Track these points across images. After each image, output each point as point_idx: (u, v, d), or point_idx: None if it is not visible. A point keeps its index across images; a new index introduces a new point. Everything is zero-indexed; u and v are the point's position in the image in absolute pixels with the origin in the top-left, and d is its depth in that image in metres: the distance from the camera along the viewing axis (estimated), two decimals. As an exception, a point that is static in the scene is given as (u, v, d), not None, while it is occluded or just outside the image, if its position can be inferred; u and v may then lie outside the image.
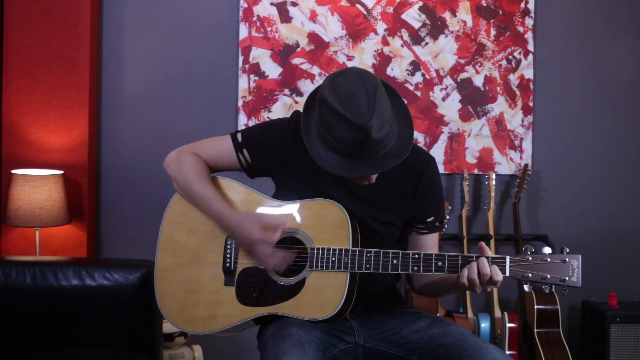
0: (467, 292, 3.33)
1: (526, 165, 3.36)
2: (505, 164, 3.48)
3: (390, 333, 1.90)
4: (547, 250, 1.75)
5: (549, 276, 1.72)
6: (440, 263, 1.78)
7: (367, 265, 1.82)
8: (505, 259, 1.75)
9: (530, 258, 1.74)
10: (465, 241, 3.35)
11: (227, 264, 1.94)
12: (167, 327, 2.95)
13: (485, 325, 3.32)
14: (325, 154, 1.77)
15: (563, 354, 3.12)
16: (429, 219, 1.99)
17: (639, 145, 3.57)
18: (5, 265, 2.44)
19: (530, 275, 1.73)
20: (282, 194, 1.98)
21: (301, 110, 1.90)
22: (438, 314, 3.17)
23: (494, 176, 3.39)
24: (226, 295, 1.93)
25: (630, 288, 3.52)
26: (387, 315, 1.96)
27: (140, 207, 3.37)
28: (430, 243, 2.02)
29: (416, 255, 1.80)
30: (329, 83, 1.73)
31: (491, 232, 3.37)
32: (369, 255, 1.82)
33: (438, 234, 2.04)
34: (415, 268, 1.80)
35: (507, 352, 3.23)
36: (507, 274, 1.74)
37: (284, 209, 1.94)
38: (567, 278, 1.72)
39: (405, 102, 1.88)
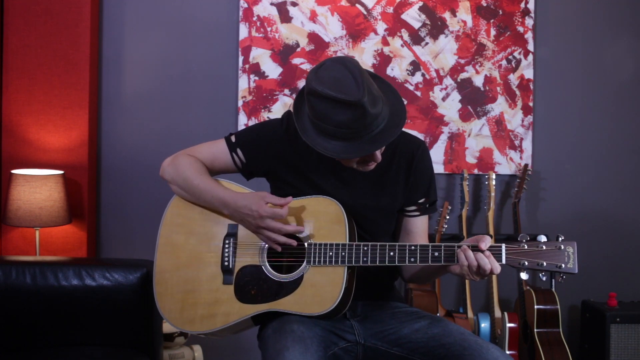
0: (467, 292, 3.33)
1: (526, 165, 3.36)
2: (505, 164, 3.48)
3: (390, 332, 1.90)
4: (543, 238, 1.75)
5: (545, 263, 1.73)
6: (436, 253, 1.79)
7: (365, 259, 1.83)
8: (501, 247, 1.76)
9: (525, 246, 1.75)
10: (465, 241, 3.35)
11: (226, 263, 1.95)
12: (167, 327, 2.95)
13: (485, 325, 3.32)
14: (328, 144, 1.79)
15: (563, 354, 3.12)
16: (420, 200, 2.00)
17: (639, 145, 3.57)
18: (5, 265, 2.44)
19: (526, 262, 1.74)
20: (278, 193, 2.00)
21: (292, 111, 1.92)
22: (438, 314, 3.17)
23: (494, 176, 3.39)
24: (225, 294, 1.93)
25: (630, 288, 3.52)
26: (387, 314, 1.96)
27: (140, 207, 3.37)
28: (420, 227, 2.03)
29: (412, 247, 1.81)
30: (312, 76, 1.77)
31: (491, 232, 3.37)
32: (365, 248, 1.83)
33: (427, 217, 2.05)
34: (412, 259, 1.81)
35: (507, 352, 3.23)
36: (504, 261, 1.75)
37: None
38: (563, 265, 1.73)
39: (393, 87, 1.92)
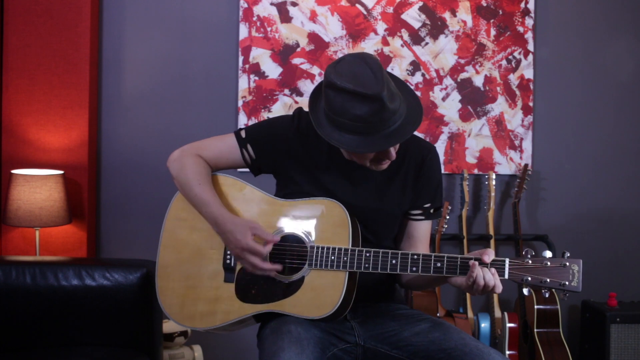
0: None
1: (526, 165, 3.36)
2: (505, 164, 3.48)
3: (391, 335, 1.90)
4: (548, 254, 1.73)
5: (548, 280, 1.70)
6: (439, 264, 1.78)
7: (366, 265, 1.82)
8: (504, 261, 1.74)
9: (530, 261, 1.72)
10: (465, 241, 3.35)
11: (228, 261, 1.95)
12: (167, 327, 2.96)
13: (485, 325, 3.32)
14: (343, 138, 1.78)
15: (563, 354, 3.12)
16: (426, 205, 2.00)
17: (639, 145, 3.57)
18: (5, 265, 2.45)
19: (529, 278, 1.71)
20: (285, 191, 1.99)
21: (303, 108, 1.90)
22: (438, 314, 3.17)
23: (494, 176, 3.39)
24: (225, 292, 1.94)
25: (630, 288, 3.52)
26: (387, 316, 1.96)
27: (140, 207, 3.37)
28: (422, 232, 2.02)
29: (415, 256, 1.80)
30: (332, 70, 1.76)
31: (491, 232, 3.37)
32: (367, 255, 1.83)
33: (431, 222, 2.04)
34: (414, 268, 1.80)
35: (507, 353, 3.23)
36: (506, 276, 1.73)
37: (286, 207, 1.95)
38: (566, 283, 1.70)
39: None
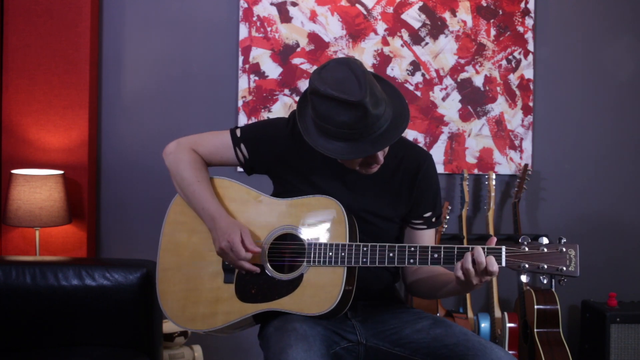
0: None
1: (526, 165, 3.36)
2: (505, 164, 3.48)
3: (392, 332, 1.90)
4: (545, 240, 1.73)
5: (545, 266, 1.70)
6: (436, 255, 1.79)
7: (364, 260, 1.83)
8: (501, 249, 1.74)
9: (526, 248, 1.72)
10: (465, 241, 3.35)
11: (227, 262, 1.95)
12: (167, 327, 2.96)
13: (485, 325, 3.32)
14: (330, 145, 1.79)
15: (563, 354, 3.12)
16: (426, 214, 2.00)
17: (639, 145, 3.57)
18: (5, 265, 2.45)
19: (526, 265, 1.71)
20: (280, 191, 2.01)
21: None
22: (438, 314, 3.17)
23: (494, 176, 3.39)
24: (226, 293, 1.94)
25: (630, 288, 3.52)
26: (388, 314, 1.96)
27: (140, 207, 3.37)
28: (427, 240, 2.03)
29: (412, 248, 1.81)
30: (316, 77, 1.77)
31: (491, 232, 3.37)
32: (365, 249, 1.83)
33: (434, 230, 2.05)
34: (412, 260, 1.80)
35: (507, 352, 3.23)
36: (503, 264, 1.72)
37: (282, 206, 1.96)
38: (564, 268, 1.70)
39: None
